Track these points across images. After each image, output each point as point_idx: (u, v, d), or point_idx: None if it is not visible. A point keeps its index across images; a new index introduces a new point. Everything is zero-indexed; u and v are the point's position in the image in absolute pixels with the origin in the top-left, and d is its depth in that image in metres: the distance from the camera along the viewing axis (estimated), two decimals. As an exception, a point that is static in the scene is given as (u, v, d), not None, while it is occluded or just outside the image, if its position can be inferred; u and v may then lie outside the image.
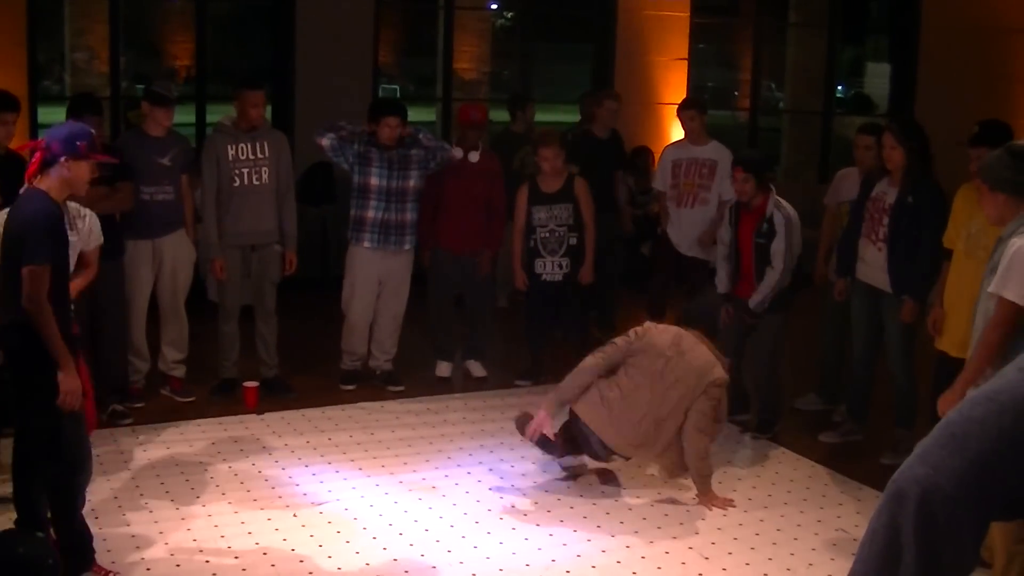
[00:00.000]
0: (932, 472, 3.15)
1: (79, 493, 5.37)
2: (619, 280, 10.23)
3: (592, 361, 6.76)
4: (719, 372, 6.63)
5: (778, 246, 7.54)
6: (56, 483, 5.28)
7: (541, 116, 11.65)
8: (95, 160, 5.38)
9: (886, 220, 7.18)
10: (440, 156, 8.36)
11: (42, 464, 5.25)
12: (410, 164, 8.29)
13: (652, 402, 6.54)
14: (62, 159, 5.16)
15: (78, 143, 5.20)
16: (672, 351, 6.64)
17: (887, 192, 7.22)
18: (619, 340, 6.80)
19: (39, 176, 5.20)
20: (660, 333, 6.78)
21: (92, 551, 5.40)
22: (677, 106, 9.84)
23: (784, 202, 7.66)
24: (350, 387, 8.48)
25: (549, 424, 6.72)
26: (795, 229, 7.58)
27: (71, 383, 5.13)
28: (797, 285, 7.74)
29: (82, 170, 5.26)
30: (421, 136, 8.36)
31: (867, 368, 7.67)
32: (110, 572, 5.39)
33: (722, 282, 7.93)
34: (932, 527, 3.14)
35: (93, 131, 5.46)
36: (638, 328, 6.83)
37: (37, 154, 5.21)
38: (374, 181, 8.23)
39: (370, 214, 8.26)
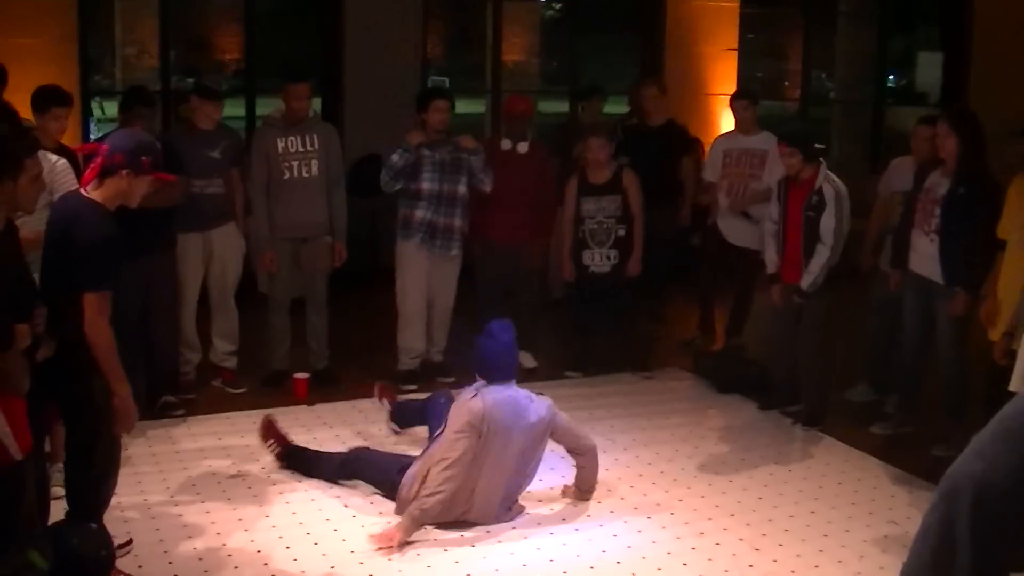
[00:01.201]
0: (987, 468, 3.13)
1: (104, 503, 5.35)
2: (669, 273, 10.18)
3: (450, 474, 5.84)
4: (545, 402, 6.21)
5: (828, 221, 7.48)
6: (83, 489, 5.24)
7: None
8: (156, 178, 5.23)
9: (938, 211, 7.12)
10: (475, 183, 8.36)
11: (72, 471, 5.24)
12: (461, 169, 8.29)
13: (510, 474, 6.09)
14: (124, 172, 5.02)
15: (143, 158, 5.06)
16: (512, 420, 6.00)
17: (940, 183, 7.16)
18: (462, 442, 5.87)
19: (96, 182, 5.05)
20: (491, 409, 5.95)
21: (113, 556, 5.30)
22: (729, 96, 9.82)
23: (834, 176, 7.62)
24: (411, 387, 8.32)
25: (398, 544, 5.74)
26: (845, 203, 7.52)
27: (127, 408, 5.07)
28: (844, 270, 7.69)
29: (141, 186, 5.11)
30: (474, 159, 8.33)
31: (918, 359, 7.60)
32: None
33: (771, 261, 7.88)
34: (987, 523, 3.12)
35: (159, 145, 5.30)
36: (470, 420, 5.88)
37: (98, 159, 5.05)
38: (425, 186, 8.21)
39: (418, 214, 8.24)
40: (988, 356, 6.57)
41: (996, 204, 6.73)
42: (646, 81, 10.45)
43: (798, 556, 5.79)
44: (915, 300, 7.45)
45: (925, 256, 7.24)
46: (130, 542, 5.63)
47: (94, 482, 5.25)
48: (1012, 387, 5.50)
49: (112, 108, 10.36)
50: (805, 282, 7.59)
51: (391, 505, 6.14)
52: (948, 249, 7.07)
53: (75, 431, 5.20)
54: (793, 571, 5.64)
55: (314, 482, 6.54)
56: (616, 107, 11.48)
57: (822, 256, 7.52)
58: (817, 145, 8.04)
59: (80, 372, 5.02)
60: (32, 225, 5.28)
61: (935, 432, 7.37)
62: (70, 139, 7.94)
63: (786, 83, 21.86)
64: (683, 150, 10.06)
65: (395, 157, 8.16)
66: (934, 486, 3.26)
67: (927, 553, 3.26)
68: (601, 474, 6.60)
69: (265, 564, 5.52)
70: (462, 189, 8.31)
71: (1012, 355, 5.89)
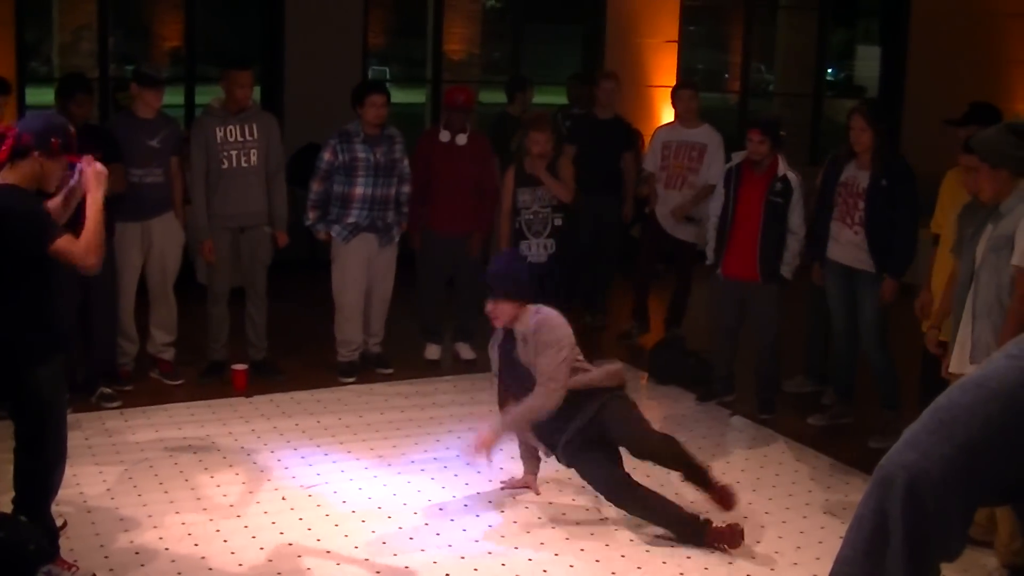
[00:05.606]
0: (920, 458, 3.16)
1: (53, 489, 5.31)
2: (614, 263, 10.24)
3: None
4: None
5: (797, 209, 7.62)
6: (31, 477, 5.21)
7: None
8: (67, 160, 5.14)
9: (861, 204, 7.20)
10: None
11: (21, 461, 5.20)
12: (394, 170, 8.28)
13: None
14: (35, 153, 4.97)
15: (52, 139, 4.99)
16: None
17: (858, 176, 7.25)
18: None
19: (8, 165, 4.99)
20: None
21: (56, 544, 5.29)
22: (672, 88, 9.86)
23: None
24: (350, 380, 8.38)
25: None
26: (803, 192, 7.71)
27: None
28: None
29: (54, 168, 5.06)
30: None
31: (850, 348, 7.68)
32: (73, 566, 5.27)
33: (712, 251, 7.97)
34: (919, 512, 3.15)
35: (72, 129, 5.23)
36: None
37: (8, 141, 4.98)
38: (359, 191, 8.20)
39: (350, 219, 8.23)
40: (922, 346, 6.64)
41: (916, 192, 6.90)
42: (605, 73, 10.44)
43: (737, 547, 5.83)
44: (838, 290, 7.53)
45: (848, 245, 7.33)
46: (64, 525, 5.59)
47: (43, 470, 5.22)
48: (952, 369, 5.58)
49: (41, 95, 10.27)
50: (786, 271, 7.70)
51: (331, 506, 6.16)
52: (876, 239, 7.16)
53: (24, 422, 5.16)
54: (730, 562, 5.67)
55: (251, 474, 6.53)
56: (552, 97, 11.47)
57: (796, 244, 7.66)
58: (782, 133, 8.13)
59: (24, 363, 5.00)
60: None
61: (872, 423, 7.45)
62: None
63: (726, 75, 21.94)
64: (627, 145, 10.09)
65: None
66: (870, 478, 3.29)
67: (860, 542, 3.28)
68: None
69: (202, 557, 5.50)
70: (395, 191, 8.32)
71: (943, 346, 6.01)
